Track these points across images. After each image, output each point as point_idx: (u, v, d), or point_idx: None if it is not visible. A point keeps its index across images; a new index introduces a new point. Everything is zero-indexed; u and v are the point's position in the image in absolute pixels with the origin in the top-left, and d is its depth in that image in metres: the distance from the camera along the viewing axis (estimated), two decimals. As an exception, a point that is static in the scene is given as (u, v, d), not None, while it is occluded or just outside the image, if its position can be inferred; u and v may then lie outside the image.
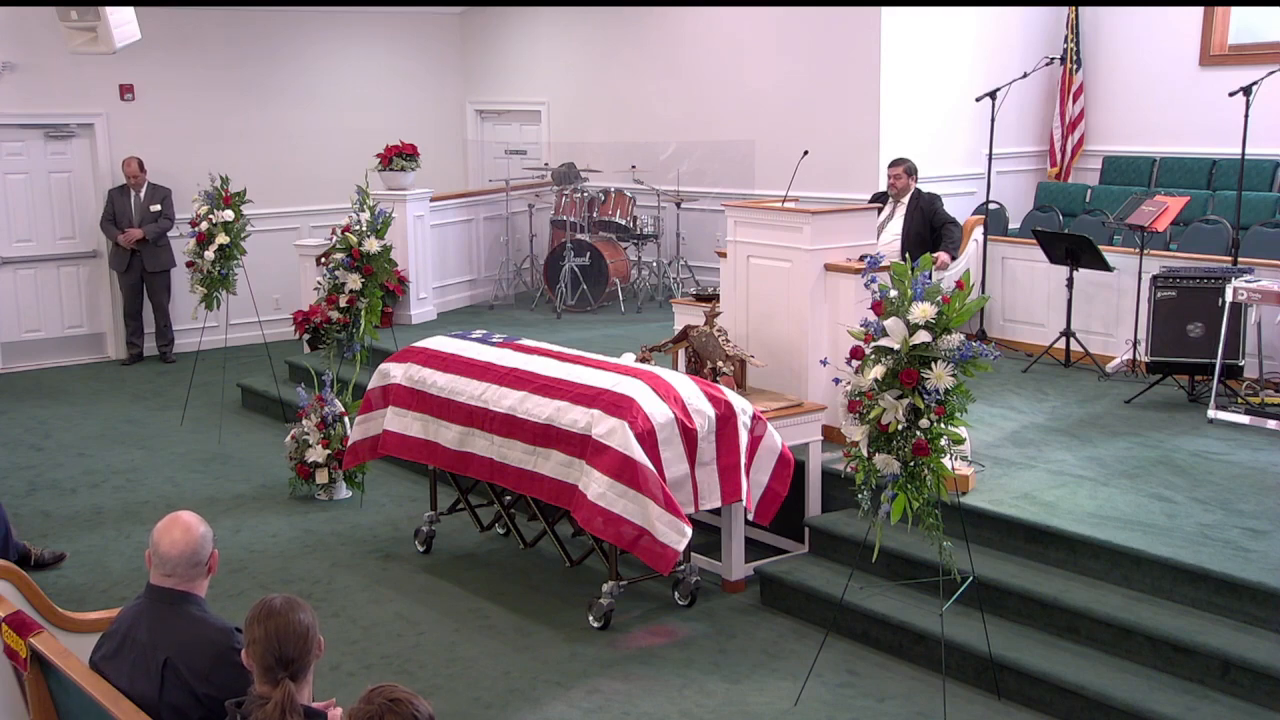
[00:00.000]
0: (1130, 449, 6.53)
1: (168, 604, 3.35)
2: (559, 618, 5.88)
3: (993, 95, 8.82)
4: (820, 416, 6.39)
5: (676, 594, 5.99)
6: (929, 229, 8.43)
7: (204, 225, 8.48)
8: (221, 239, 8.45)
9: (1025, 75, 9.47)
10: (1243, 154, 7.89)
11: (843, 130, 9.79)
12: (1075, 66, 10.41)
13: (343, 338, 7.54)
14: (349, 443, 6.94)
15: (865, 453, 4.70)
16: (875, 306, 4.72)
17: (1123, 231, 8.72)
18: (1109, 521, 5.48)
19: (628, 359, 6.39)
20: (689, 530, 5.42)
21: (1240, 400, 7.13)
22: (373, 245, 7.40)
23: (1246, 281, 7.07)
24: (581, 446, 5.52)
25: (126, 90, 11.34)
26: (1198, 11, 9.84)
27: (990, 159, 9.04)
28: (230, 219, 8.49)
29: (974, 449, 6.10)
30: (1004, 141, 9.82)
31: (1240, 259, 7.77)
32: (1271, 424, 6.81)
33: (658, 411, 5.53)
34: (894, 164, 8.60)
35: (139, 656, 3.31)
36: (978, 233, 9.14)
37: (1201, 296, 7.32)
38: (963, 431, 4.72)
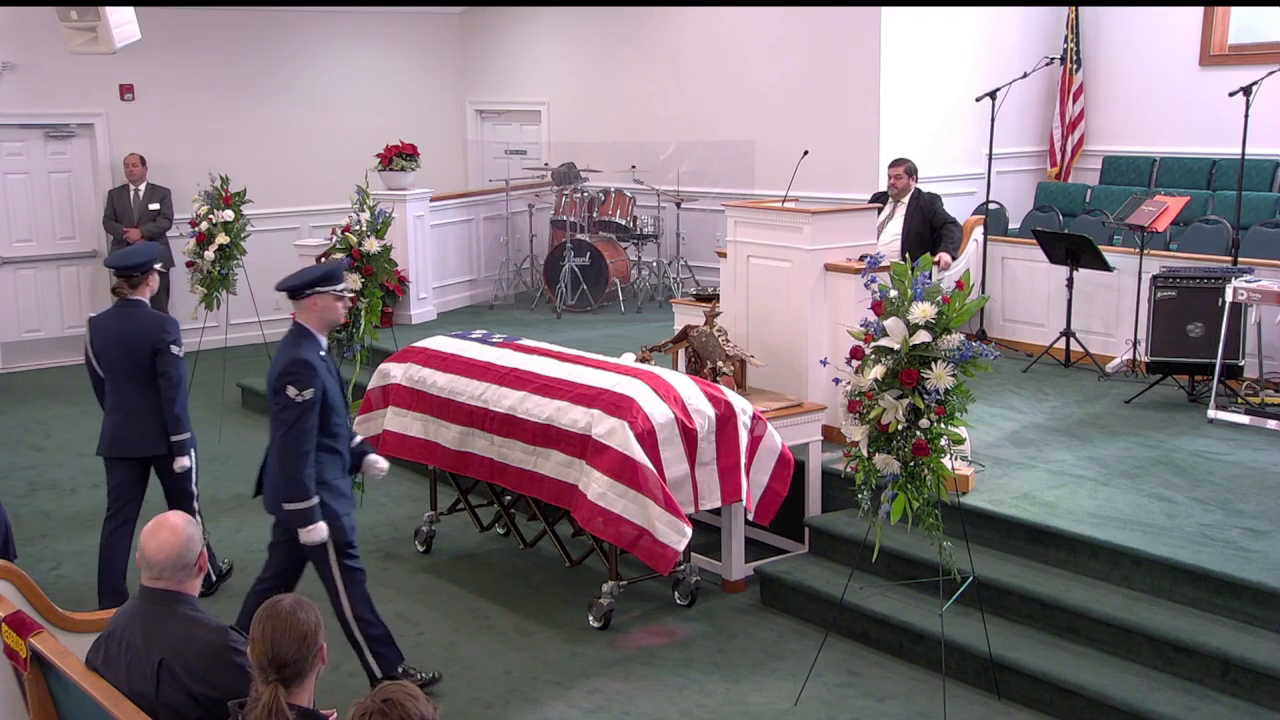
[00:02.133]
0: (1130, 449, 6.53)
1: (160, 605, 3.36)
2: (559, 618, 5.88)
3: (993, 95, 8.81)
4: (820, 416, 6.39)
5: (676, 594, 6.00)
6: (929, 229, 8.42)
7: (204, 225, 8.48)
8: (221, 239, 8.45)
9: (1025, 75, 9.47)
10: (1243, 154, 7.88)
11: (843, 130, 9.79)
12: (1075, 66, 10.41)
13: (343, 338, 7.53)
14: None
15: (865, 453, 4.70)
16: (875, 306, 4.73)
17: (1123, 231, 8.71)
18: (1109, 521, 5.48)
19: (628, 359, 6.39)
20: (689, 530, 5.43)
21: (1240, 400, 7.13)
22: (373, 245, 7.40)
23: (1246, 281, 7.07)
24: (581, 446, 5.52)
25: (126, 90, 11.35)
26: (1198, 11, 9.84)
27: (990, 159, 9.04)
28: (230, 219, 8.49)
29: (974, 449, 6.11)
30: (1004, 141, 9.82)
31: (1240, 259, 7.77)
32: (1271, 424, 6.81)
33: (658, 411, 5.53)
34: (894, 164, 8.59)
35: (134, 659, 3.31)
36: (978, 233, 9.14)
37: (1201, 296, 7.31)
38: (963, 431, 4.72)
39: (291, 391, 4.70)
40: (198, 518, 5.95)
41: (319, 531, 4.80)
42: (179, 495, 6.00)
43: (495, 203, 11.85)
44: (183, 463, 5.91)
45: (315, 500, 4.78)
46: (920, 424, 4.55)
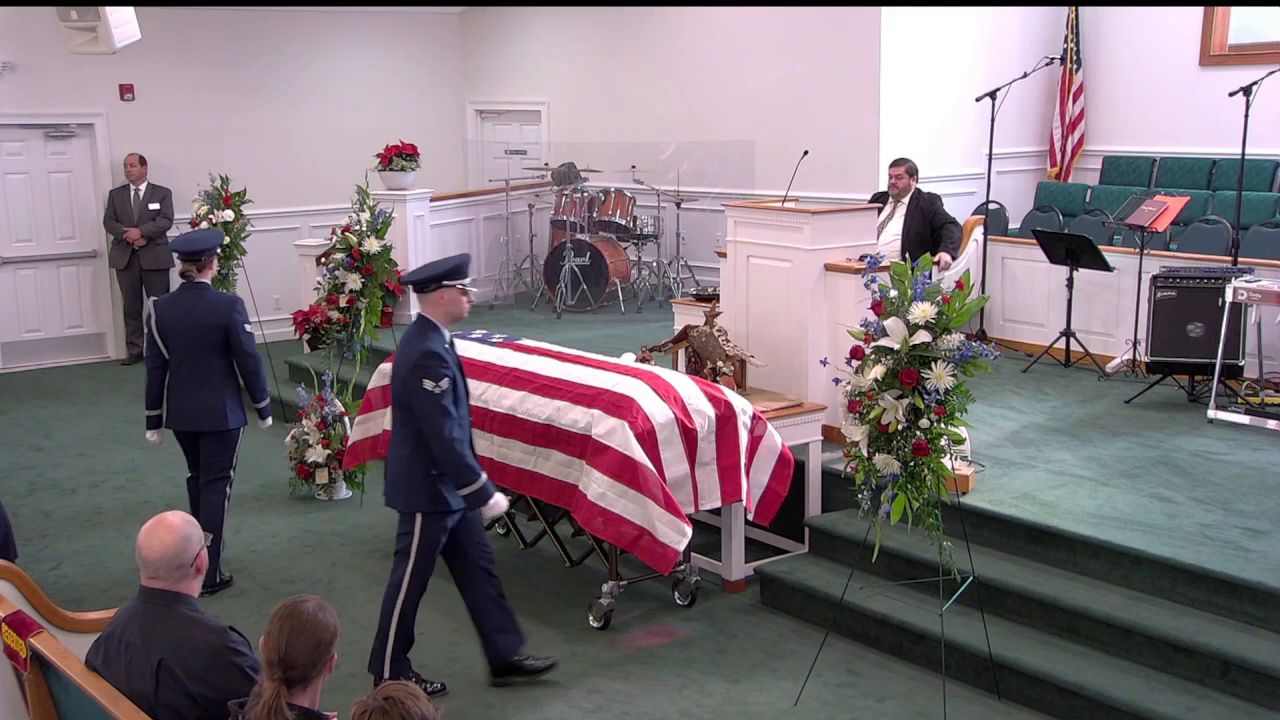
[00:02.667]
0: (1130, 449, 6.53)
1: (159, 605, 3.35)
2: (559, 618, 5.88)
3: (993, 95, 8.81)
4: (820, 416, 6.39)
5: (676, 594, 6.00)
6: (929, 229, 8.42)
7: (204, 225, 8.48)
8: (221, 239, 8.45)
9: (1025, 75, 9.47)
10: (1243, 154, 7.88)
11: (843, 130, 9.79)
12: (1075, 66, 10.41)
13: (343, 338, 7.54)
14: (349, 443, 6.93)
15: (865, 453, 4.70)
16: (875, 306, 4.73)
17: (1123, 231, 8.71)
18: (1109, 521, 5.48)
19: (628, 359, 6.39)
20: (689, 530, 5.43)
21: (1240, 400, 7.13)
22: (373, 245, 7.40)
23: (1246, 281, 7.07)
24: (581, 446, 5.52)
25: (126, 90, 11.35)
26: (1198, 11, 9.84)
27: (990, 159, 9.04)
28: (230, 219, 8.49)
29: (974, 449, 6.10)
30: (1004, 141, 9.81)
31: (1240, 259, 7.77)
32: (1271, 424, 6.81)
33: (658, 411, 5.53)
34: (895, 164, 8.59)
35: (134, 659, 3.30)
36: (978, 233, 9.14)
37: (1201, 296, 7.31)
38: (963, 431, 4.73)
39: (428, 384, 4.77)
40: (227, 503, 6.33)
41: (499, 505, 4.92)
42: (215, 474, 6.26)
43: (495, 203, 11.85)
44: (268, 423, 6.52)
45: (484, 476, 4.87)
46: (920, 424, 4.55)
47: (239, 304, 6.21)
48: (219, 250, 6.31)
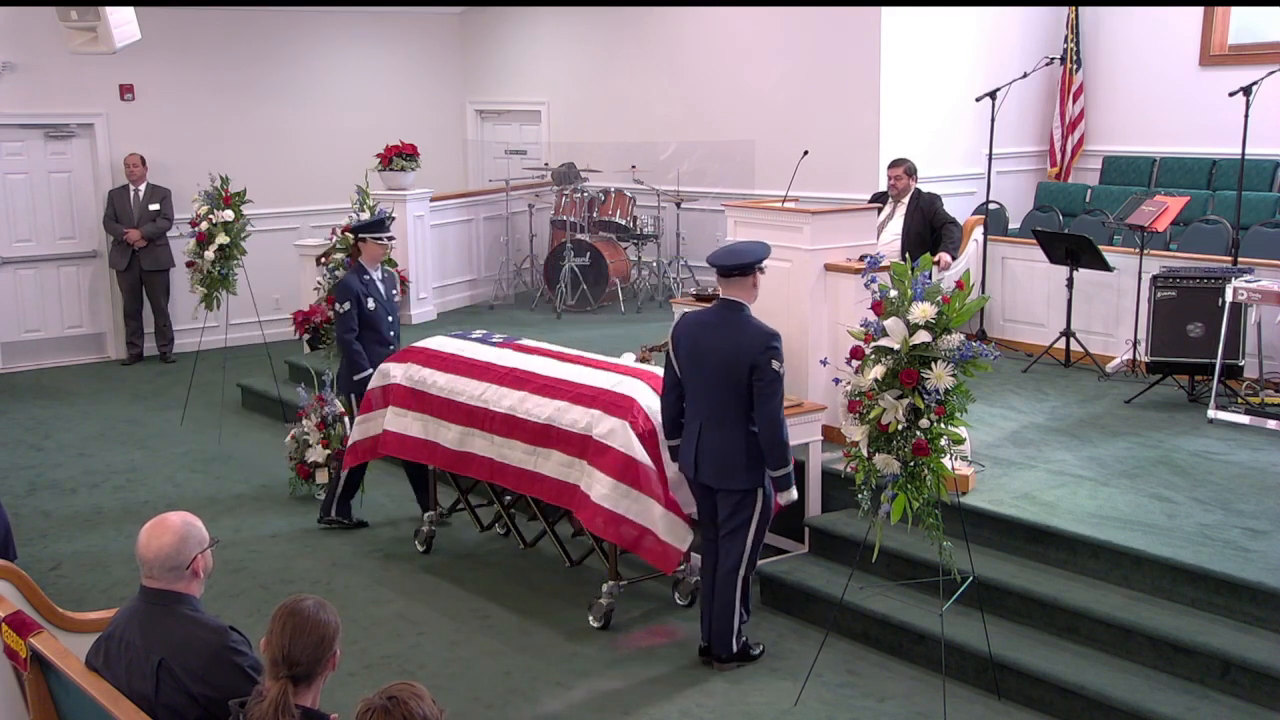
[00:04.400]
0: (1130, 449, 6.52)
1: (159, 605, 3.35)
2: (559, 618, 5.88)
3: (993, 95, 8.81)
4: (820, 416, 6.38)
5: (676, 594, 6.00)
6: (929, 229, 8.42)
7: (204, 225, 8.49)
8: (221, 239, 8.46)
9: (1025, 75, 9.47)
10: (1243, 154, 7.88)
11: (843, 130, 9.79)
12: (1075, 66, 10.41)
13: (343, 337, 7.53)
14: (349, 442, 6.93)
15: (865, 453, 4.70)
16: (875, 306, 4.73)
17: (1123, 231, 8.71)
18: (1109, 521, 5.48)
19: (628, 359, 6.39)
20: (690, 531, 5.42)
21: (1240, 400, 7.13)
22: (373, 245, 7.39)
23: (1246, 281, 7.07)
24: (581, 446, 5.52)
25: (126, 90, 11.34)
26: (1198, 11, 9.84)
27: (990, 159, 9.04)
28: (230, 219, 8.49)
29: (974, 449, 6.10)
30: (1004, 141, 9.81)
31: (1240, 259, 7.77)
32: (1271, 424, 6.81)
33: (658, 411, 5.53)
34: (894, 164, 8.59)
35: (134, 659, 3.30)
36: (978, 233, 9.14)
37: (1201, 296, 7.31)
38: (963, 431, 4.73)
39: (775, 364, 5.00)
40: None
41: (794, 492, 5.21)
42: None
43: (495, 203, 11.85)
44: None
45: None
46: (920, 424, 4.55)
47: (339, 288, 7.00)
48: (367, 239, 6.91)
